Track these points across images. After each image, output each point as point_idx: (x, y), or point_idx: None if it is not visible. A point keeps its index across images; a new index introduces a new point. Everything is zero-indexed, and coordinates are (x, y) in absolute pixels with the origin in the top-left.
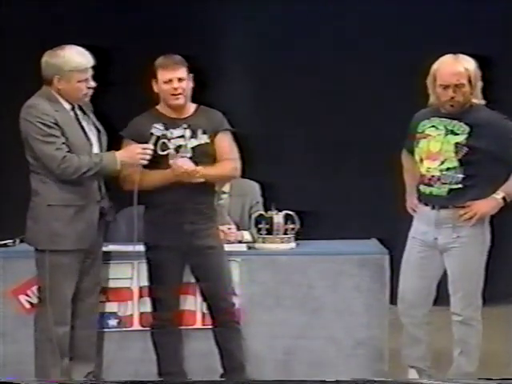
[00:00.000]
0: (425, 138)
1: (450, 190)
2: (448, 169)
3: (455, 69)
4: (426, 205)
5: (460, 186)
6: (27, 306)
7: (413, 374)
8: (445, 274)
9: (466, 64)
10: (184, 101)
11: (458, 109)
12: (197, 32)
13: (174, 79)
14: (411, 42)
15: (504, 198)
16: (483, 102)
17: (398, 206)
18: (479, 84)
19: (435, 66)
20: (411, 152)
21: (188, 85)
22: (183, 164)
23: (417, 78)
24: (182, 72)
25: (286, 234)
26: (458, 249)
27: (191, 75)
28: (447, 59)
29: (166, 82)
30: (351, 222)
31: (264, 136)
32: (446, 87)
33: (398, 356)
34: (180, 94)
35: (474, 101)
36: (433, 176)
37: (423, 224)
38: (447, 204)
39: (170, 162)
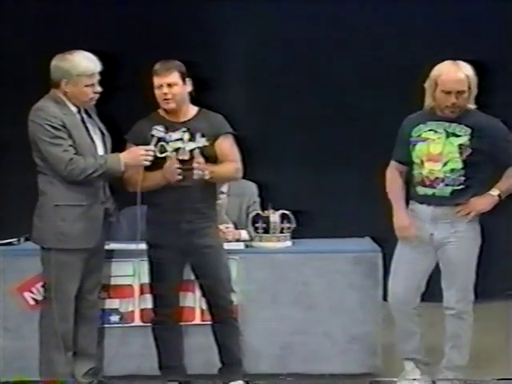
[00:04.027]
0: (423, 141)
1: (453, 191)
2: (452, 170)
3: (458, 76)
4: (422, 203)
5: (462, 186)
6: (32, 302)
7: (410, 366)
8: (436, 271)
9: (466, 71)
10: (175, 105)
11: (457, 113)
12: (198, 35)
13: (164, 85)
14: (412, 45)
15: (499, 195)
16: (475, 106)
17: (390, 205)
18: (475, 90)
19: (436, 72)
20: (401, 161)
21: (182, 89)
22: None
23: (414, 81)
24: (173, 77)
25: (282, 232)
26: (454, 243)
27: (188, 79)
28: (449, 66)
29: (158, 88)
30: (345, 220)
31: (261, 138)
32: (448, 93)
33: (392, 351)
34: (170, 99)
35: (469, 105)
36: (436, 178)
37: (417, 220)
38: (448, 203)
39: (166, 165)
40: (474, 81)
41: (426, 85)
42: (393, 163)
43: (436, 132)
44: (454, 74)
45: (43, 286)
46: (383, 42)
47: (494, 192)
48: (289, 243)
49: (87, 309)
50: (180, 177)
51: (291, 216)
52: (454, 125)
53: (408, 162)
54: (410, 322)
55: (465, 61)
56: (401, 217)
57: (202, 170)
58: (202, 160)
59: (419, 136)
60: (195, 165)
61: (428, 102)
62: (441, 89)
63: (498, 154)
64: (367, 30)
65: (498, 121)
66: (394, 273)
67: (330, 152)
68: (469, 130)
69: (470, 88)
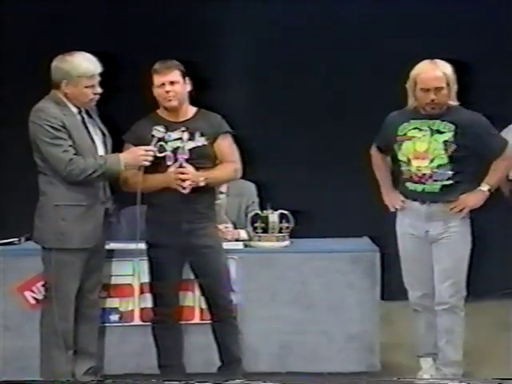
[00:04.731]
0: (409, 139)
1: (443, 187)
2: (439, 166)
3: (435, 73)
4: (415, 200)
5: (451, 181)
6: (32, 301)
7: (428, 364)
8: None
9: (444, 69)
10: (177, 103)
11: (438, 110)
12: (198, 35)
13: (166, 83)
14: (412, 45)
15: (489, 190)
16: (457, 103)
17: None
18: (455, 87)
19: (415, 72)
20: (381, 148)
21: (183, 88)
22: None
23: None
24: (175, 75)
25: (280, 232)
26: (448, 239)
27: (188, 79)
28: (427, 65)
29: (159, 86)
30: (344, 220)
31: (261, 138)
32: (427, 90)
33: (389, 350)
34: (173, 96)
35: (451, 102)
36: (424, 174)
37: (412, 219)
38: (439, 199)
39: (171, 169)
40: (453, 78)
41: (407, 85)
42: (374, 147)
43: (420, 130)
44: (431, 72)
45: (44, 286)
46: (383, 42)
47: (484, 187)
48: (287, 243)
49: (87, 308)
50: (184, 185)
51: (290, 216)
52: (437, 122)
53: (386, 151)
54: (431, 314)
55: (451, 60)
56: (386, 195)
57: (192, 180)
58: (190, 170)
59: (405, 135)
60: (184, 176)
61: (410, 101)
62: (420, 87)
63: (483, 148)
64: (368, 30)
65: (480, 115)
66: (406, 272)
67: (328, 152)
68: (453, 127)
69: (448, 85)
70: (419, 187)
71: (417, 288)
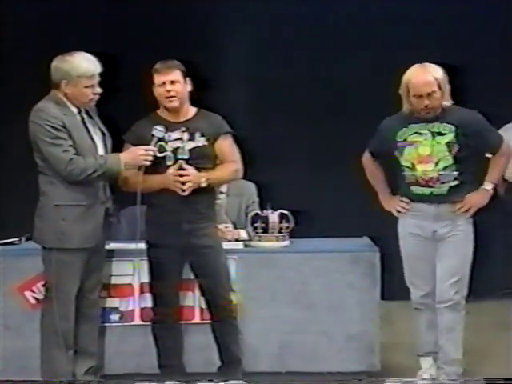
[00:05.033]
0: (411, 144)
1: (450, 188)
2: (445, 168)
3: (426, 79)
4: (423, 202)
5: (457, 182)
6: (33, 301)
7: (428, 363)
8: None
9: (434, 73)
10: (179, 103)
11: (433, 113)
12: (198, 35)
13: (166, 82)
14: (412, 46)
15: (493, 188)
16: (452, 102)
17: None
18: (447, 88)
19: (407, 78)
20: (374, 154)
21: (184, 88)
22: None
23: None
24: (176, 75)
25: (280, 232)
26: (454, 237)
27: (189, 79)
28: (417, 70)
29: (160, 86)
30: (344, 220)
31: (261, 138)
32: (420, 96)
33: (389, 350)
34: (173, 96)
35: (445, 103)
36: (431, 178)
37: (417, 219)
38: (447, 200)
39: (169, 171)
40: (444, 80)
41: (400, 91)
42: (367, 153)
43: (421, 134)
44: (421, 78)
45: (44, 286)
46: (383, 42)
47: (488, 186)
48: (287, 243)
49: (88, 308)
50: (185, 187)
51: (290, 216)
52: (436, 124)
53: (380, 157)
54: (433, 313)
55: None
56: (385, 201)
57: (193, 182)
58: (192, 171)
59: (405, 140)
60: (185, 178)
61: (405, 106)
62: (413, 93)
63: (483, 145)
64: (368, 30)
65: (476, 113)
66: (409, 272)
67: (328, 152)
68: (453, 128)
69: (440, 88)
70: (427, 191)
71: (420, 287)
